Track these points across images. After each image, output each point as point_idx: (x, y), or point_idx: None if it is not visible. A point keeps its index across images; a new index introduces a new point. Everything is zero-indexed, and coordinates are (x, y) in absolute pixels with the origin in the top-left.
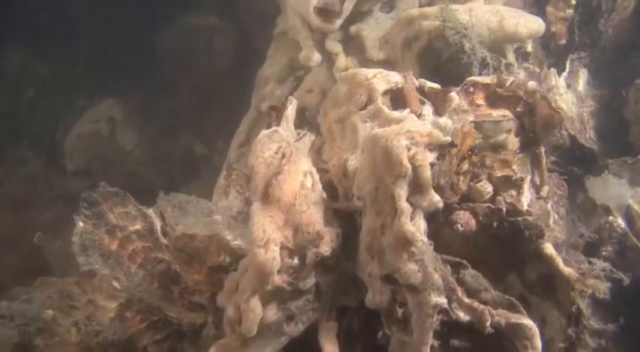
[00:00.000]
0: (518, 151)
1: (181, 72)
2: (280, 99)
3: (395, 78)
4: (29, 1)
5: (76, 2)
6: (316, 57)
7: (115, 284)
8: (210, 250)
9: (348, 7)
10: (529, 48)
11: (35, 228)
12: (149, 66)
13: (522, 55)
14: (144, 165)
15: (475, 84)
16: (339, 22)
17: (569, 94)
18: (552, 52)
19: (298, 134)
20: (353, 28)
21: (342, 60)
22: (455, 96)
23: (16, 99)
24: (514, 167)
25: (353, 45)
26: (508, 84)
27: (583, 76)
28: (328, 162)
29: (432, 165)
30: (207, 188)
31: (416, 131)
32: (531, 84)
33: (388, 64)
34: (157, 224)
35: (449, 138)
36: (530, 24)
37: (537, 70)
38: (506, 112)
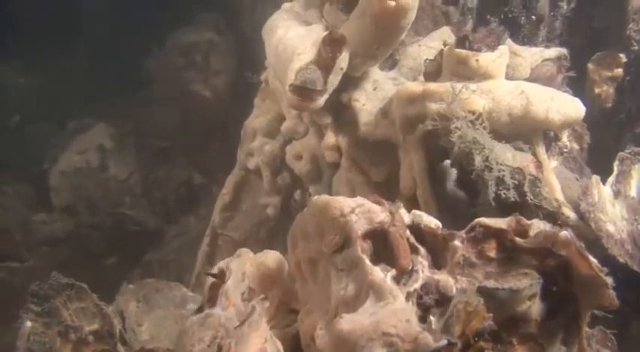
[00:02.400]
0: (544, 319)
1: (175, 94)
2: (270, 155)
3: (379, 216)
4: (19, 19)
5: (65, 20)
6: (301, 129)
7: None
8: None
9: (333, 80)
10: (564, 139)
11: (13, 283)
12: (140, 87)
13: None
14: (137, 196)
15: (486, 229)
16: (322, 99)
17: (618, 206)
18: (596, 119)
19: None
20: (345, 97)
21: (330, 137)
22: (458, 246)
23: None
24: (540, 341)
25: (345, 115)
26: (532, 234)
27: (637, 174)
28: (300, 306)
29: None
30: (205, 222)
31: (397, 335)
32: (564, 234)
33: (387, 144)
34: (117, 326)
35: (444, 342)
36: (564, 109)
37: (576, 146)
38: (529, 270)
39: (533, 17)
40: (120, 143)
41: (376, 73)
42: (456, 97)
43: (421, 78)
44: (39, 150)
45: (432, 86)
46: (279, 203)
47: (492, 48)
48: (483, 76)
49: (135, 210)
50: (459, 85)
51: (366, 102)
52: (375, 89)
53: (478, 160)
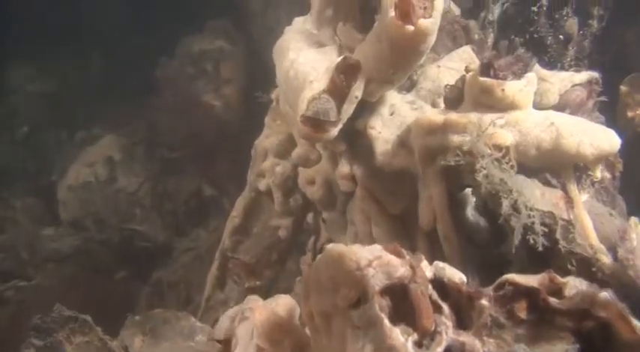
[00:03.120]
0: None
1: (184, 104)
2: (282, 176)
3: (399, 271)
4: (29, 24)
5: (76, 26)
6: (314, 156)
7: None
8: None
9: (348, 109)
10: (597, 173)
11: (20, 302)
12: (150, 96)
13: None
14: (147, 209)
15: (516, 288)
16: (335, 130)
17: None
18: (629, 144)
19: None
20: (360, 123)
21: (344, 167)
22: (485, 306)
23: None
24: None
25: (361, 142)
26: (567, 293)
27: None
28: None
29: None
30: (215, 236)
31: None
32: (604, 296)
33: (404, 174)
34: None
35: None
36: (598, 142)
37: (608, 175)
38: (564, 334)
39: (561, 37)
40: (129, 154)
41: (393, 97)
42: (482, 134)
43: (440, 101)
44: (48, 160)
45: (454, 117)
46: (291, 224)
47: (519, 76)
48: (509, 106)
49: (144, 225)
50: (485, 119)
51: (383, 130)
52: (391, 114)
53: (506, 205)
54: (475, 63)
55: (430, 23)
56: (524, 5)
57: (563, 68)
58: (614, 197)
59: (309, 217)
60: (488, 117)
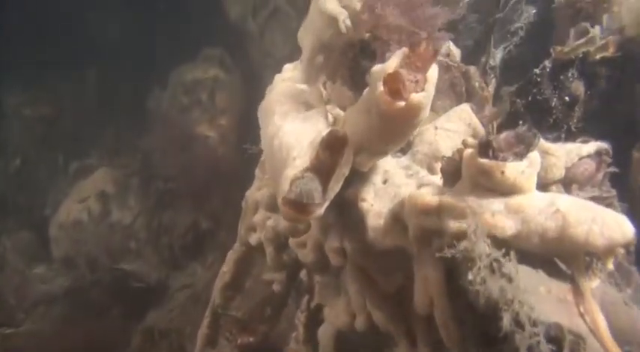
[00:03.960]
0: None
1: (179, 135)
2: (273, 230)
3: None
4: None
5: (68, 54)
6: (302, 226)
7: None
8: None
9: (334, 187)
10: (610, 265)
11: (8, 349)
12: (144, 126)
13: None
14: (142, 242)
15: None
16: (321, 210)
17: None
18: None
19: None
20: (350, 193)
21: (334, 242)
22: None
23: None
24: None
25: (351, 214)
26: None
27: None
28: None
29: None
30: (211, 271)
31: None
32: None
33: (398, 253)
34: None
35: None
36: (609, 231)
37: (621, 250)
38: None
39: (567, 98)
40: (123, 186)
41: (386, 162)
42: (479, 225)
43: (437, 166)
44: (40, 192)
45: (450, 200)
46: (284, 278)
47: (520, 156)
48: (510, 189)
49: (139, 260)
50: (483, 206)
51: (375, 202)
52: (385, 182)
53: (507, 319)
54: (474, 123)
55: (423, 97)
56: (527, 47)
57: (569, 130)
58: (629, 273)
59: (303, 274)
60: (486, 204)
